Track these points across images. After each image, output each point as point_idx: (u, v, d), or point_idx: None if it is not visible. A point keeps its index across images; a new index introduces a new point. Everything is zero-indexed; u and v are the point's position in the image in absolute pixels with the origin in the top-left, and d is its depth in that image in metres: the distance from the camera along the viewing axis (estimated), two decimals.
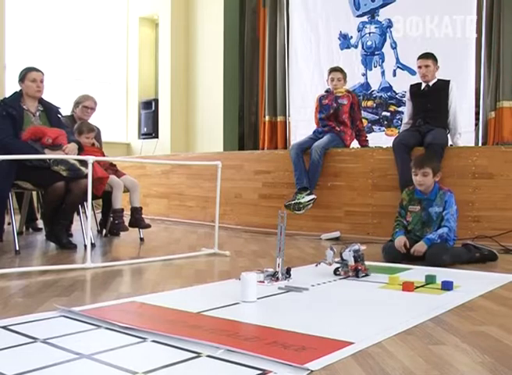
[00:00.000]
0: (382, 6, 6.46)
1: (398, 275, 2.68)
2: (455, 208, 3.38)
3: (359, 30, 6.64)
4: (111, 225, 4.44)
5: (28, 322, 1.83)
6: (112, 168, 4.47)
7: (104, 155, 4.55)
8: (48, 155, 3.59)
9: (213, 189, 3.99)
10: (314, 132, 5.13)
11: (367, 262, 2.82)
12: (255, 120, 7.82)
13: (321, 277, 2.71)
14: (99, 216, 4.85)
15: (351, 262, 2.72)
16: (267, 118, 7.43)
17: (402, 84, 6.08)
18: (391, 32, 6.41)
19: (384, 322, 1.88)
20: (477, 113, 5.79)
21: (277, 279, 2.59)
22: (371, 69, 6.58)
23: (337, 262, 2.77)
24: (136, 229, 4.38)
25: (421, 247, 3.26)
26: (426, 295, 2.34)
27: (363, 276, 2.72)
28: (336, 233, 4.62)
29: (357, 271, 2.71)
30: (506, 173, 4.06)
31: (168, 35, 8.10)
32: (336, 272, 2.77)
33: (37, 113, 3.88)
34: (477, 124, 5.80)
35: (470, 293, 2.36)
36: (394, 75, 6.41)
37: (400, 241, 3.32)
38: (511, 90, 5.66)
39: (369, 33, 6.57)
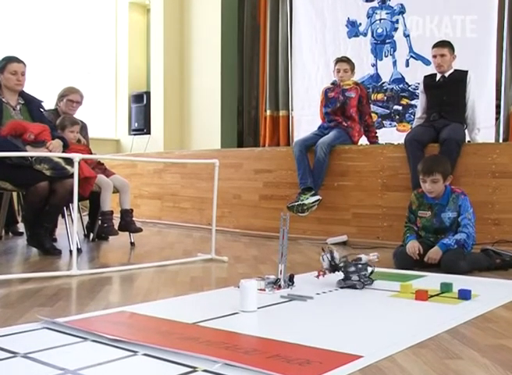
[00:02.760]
0: None
1: (410, 283, 2.68)
2: (471, 212, 3.37)
3: (368, 17, 6.63)
4: (99, 229, 4.45)
5: (7, 335, 1.82)
6: (99, 167, 4.47)
7: (91, 153, 4.55)
8: (30, 153, 3.58)
9: (210, 189, 3.99)
10: (320, 128, 5.13)
11: (376, 269, 2.82)
12: (255, 115, 7.82)
13: (326, 285, 2.71)
14: (86, 219, 4.86)
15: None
16: (268, 112, 7.43)
17: (415, 75, 6.07)
18: (404, 18, 6.40)
19: (395, 334, 1.88)
20: (497, 107, 5.77)
21: (279, 287, 2.59)
22: (381, 59, 6.57)
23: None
24: (127, 233, 4.39)
25: (435, 254, 3.25)
26: (441, 305, 2.33)
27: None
28: (343, 237, 4.61)
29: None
30: None
31: (160, 22, 8.09)
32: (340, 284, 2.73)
33: (18, 107, 3.88)
34: (497, 119, 5.78)
35: (490, 303, 2.35)
36: (407, 65, 6.40)
37: (413, 246, 3.31)
38: None
39: (380, 19, 6.56)
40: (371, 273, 2.71)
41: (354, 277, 2.66)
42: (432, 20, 6.13)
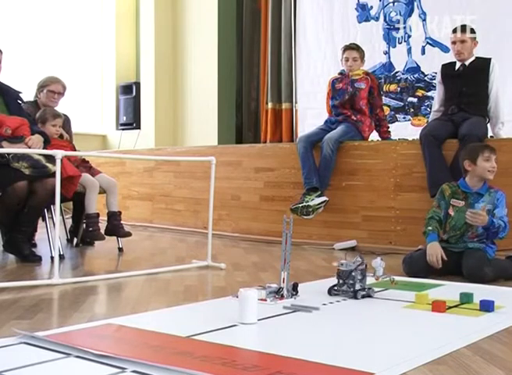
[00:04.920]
0: None
1: (427, 292, 2.67)
2: (506, 211, 3.39)
3: None
4: (83, 233, 4.44)
5: None
6: (84, 165, 4.47)
7: (75, 149, 4.55)
8: (7, 149, 3.58)
9: (206, 190, 3.99)
10: (326, 122, 5.13)
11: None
12: (256, 108, 7.82)
13: (334, 295, 2.71)
14: (69, 223, 4.85)
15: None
16: (270, 105, 7.43)
17: (432, 64, 6.07)
18: (419, 0, 6.39)
19: (410, 349, 1.88)
20: None
21: (282, 296, 2.59)
22: (394, 46, 6.57)
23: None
24: (114, 237, 4.38)
25: (484, 217, 3.22)
26: (461, 317, 2.33)
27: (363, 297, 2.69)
28: (352, 243, 4.61)
29: (355, 292, 2.67)
30: None
31: (151, 5, 8.09)
32: (331, 292, 2.72)
33: None
34: None
35: None
36: (423, 53, 6.40)
37: (436, 251, 3.28)
38: None
39: (393, 2, 6.56)
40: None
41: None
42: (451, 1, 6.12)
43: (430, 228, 3.41)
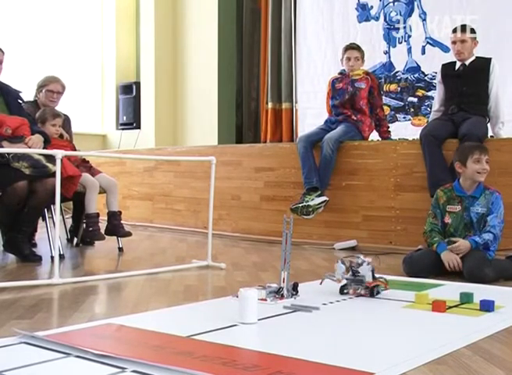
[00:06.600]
0: None
1: (427, 292, 2.67)
2: (502, 212, 3.38)
3: None
4: (83, 233, 4.44)
5: None
6: (84, 164, 4.47)
7: (75, 149, 4.55)
8: (7, 149, 3.58)
9: (206, 189, 3.99)
10: (326, 122, 5.13)
11: (388, 277, 2.82)
12: (256, 108, 7.82)
13: (334, 295, 2.71)
14: (69, 222, 4.86)
15: (369, 278, 2.69)
16: (270, 105, 7.43)
17: (432, 64, 6.07)
18: (420, 0, 6.39)
19: (410, 348, 1.88)
20: None
21: (282, 296, 2.59)
22: (394, 46, 6.57)
23: (347, 279, 2.74)
24: (114, 237, 4.39)
25: (465, 246, 3.26)
26: (461, 317, 2.33)
27: (377, 294, 2.70)
28: (352, 242, 4.61)
29: (372, 289, 2.68)
30: None
31: (151, 4, 8.09)
32: (343, 290, 2.73)
33: None
34: None
35: None
36: (423, 52, 6.40)
37: (452, 256, 3.29)
38: None
39: (393, 1, 6.56)
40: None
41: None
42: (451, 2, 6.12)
43: (436, 239, 3.43)
